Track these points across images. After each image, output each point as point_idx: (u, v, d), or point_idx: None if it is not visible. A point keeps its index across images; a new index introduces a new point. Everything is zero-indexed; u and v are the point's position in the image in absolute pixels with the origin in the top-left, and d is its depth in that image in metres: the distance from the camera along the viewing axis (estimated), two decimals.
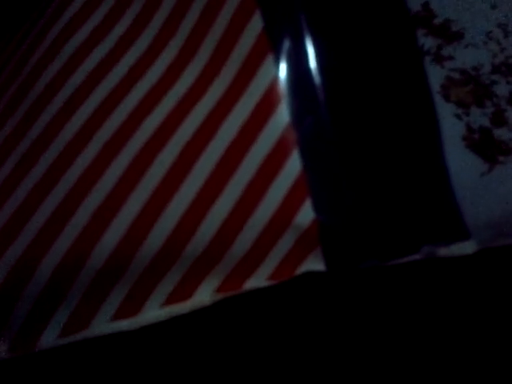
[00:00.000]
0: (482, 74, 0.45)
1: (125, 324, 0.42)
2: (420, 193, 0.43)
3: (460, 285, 0.44)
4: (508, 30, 0.46)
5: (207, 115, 0.45)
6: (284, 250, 0.42)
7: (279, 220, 0.43)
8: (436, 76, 0.45)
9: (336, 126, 0.44)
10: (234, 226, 0.43)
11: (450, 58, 0.46)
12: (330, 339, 0.44)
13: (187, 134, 0.45)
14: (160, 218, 0.44)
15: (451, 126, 0.44)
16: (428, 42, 0.46)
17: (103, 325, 0.42)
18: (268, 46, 0.45)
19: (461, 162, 0.43)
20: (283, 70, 0.45)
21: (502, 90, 0.45)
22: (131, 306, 0.42)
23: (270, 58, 0.45)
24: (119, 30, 0.48)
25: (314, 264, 0.42)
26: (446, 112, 0.44)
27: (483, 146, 0.44)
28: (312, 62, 0.45)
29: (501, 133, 0.44)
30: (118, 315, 0.42)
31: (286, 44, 0.45)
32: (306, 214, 0.43)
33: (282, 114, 0.44)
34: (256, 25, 0.46)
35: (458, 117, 0.44)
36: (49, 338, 0.42)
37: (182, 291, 0.42)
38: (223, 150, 0.45)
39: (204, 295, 0.42)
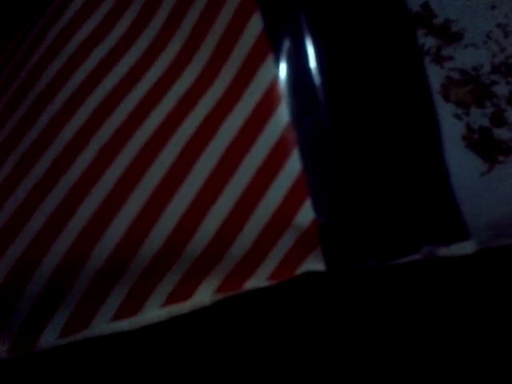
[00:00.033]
0: (482, 74, 0.45)
1: (125, 324, 0.42)
2: (420, 193, 0.43)
3: (460, 285, 0.44)
4: (508, 30, 0.46)
5: (207, 115, 0.46)
6: (284, 249, 0.42)
7: (279, 220, 0.43)
8: (436, 76, 0.45)
9: (336, 126, 0.44)
10: (234, 225, 0.43)
11: (450, 58, 0.46)
12: (330, 339, 0.44)
13: (187, 133, 0.45)
14: (160, 218, 0.44)
15: (451, 125, 0.44)
16: (428, 42, 0.46)
17: (103, 325, 0.42)
18: (268, 46, 0.45)
19: (461, 162, 0.43)
20: (283, 69, 0.45)
21: (501, 90, 0.45)
22: (131, 306, 0.42)
23: (270, 58, 0.45)
24: (119, 30, 0.48)
25: (314, 264, 0.42)
26: (445, 112, 0.45)
27: (483, 145, 0.44)
28: (312, 62, 0.45)
29: (501, 133, 0.44)
30: (118, 315, 0.42)
31: (286, 44, 0.45)
32: (305, 214, 0.43)
33: (282, 114, 0.44)
34: (256, 25, 0.46)
35: (458, 117, 0.44)
36: (49, 338, 0.42)
37: (182, 291, 0.42)
38: (223, 149, 0.45)
39: (204, 295, 0.42)
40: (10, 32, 0.52)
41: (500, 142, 0.44)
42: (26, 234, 0.44)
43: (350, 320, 0.44)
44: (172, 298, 0.42)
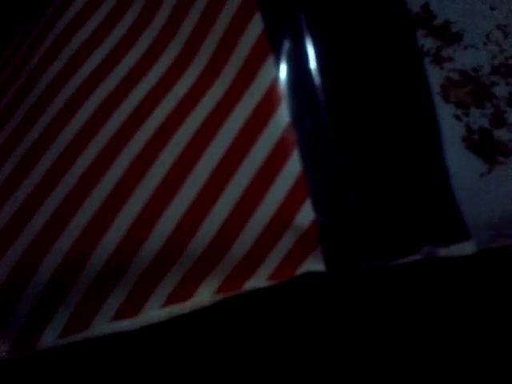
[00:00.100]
0: (482, 75, 0.45)
1: (125, 324, 0.42)
2: (420, 193, 0.43)
3: (460, 285, 0.44)
4: (507, 32, 0.46)
5: (208, 116, 0.46)
6: (284, 250, 0.42)
7: (279, 220, 0.43)
8: (436, 77, 0.45)
9: (336, 127, 0.44)
10: (235, 226, 0.43)
11: (450, 59, 0.46)
12: (330, 339, 0.44)
13: (188, 134, 0.45)
14: (160, 219, 0.44)
15: (451, 126, 0.44)
16: (428, 43, 0.46)
17: (103, 325, 0.42)
18: (268, 47, 0.45)
19: (461, 163, 0.43)
20: (283, 70, 0.45)
21: (501, 91, 0.45)
22: (131, 306, 0.42)
23: (270, 59, 0.45)
24: (120, 31, 0.48)
25: (314, 264, 0.42)
26: (445, 113, 0.45)
27: (483, 146, 0.44)
28: (312, 63, 0.45)
29: (500, 134, 0.44)
30: (119, 315, 0.42)
31: (287, 45, 0.45)
32: (306, 215, 0.43)
33: (283, 115, 0.45)
34: (256, 26, 0.46)
35: (458, 118, 0.45)
36: (49, 338, 0.42)
37: (182, 291, 0.42)
38: (224, 150, 0.45)
39: (204, 295, 0.42)
40: (10, 32, 0.52)
41: (500, 143, 0.44)
42: (27, 234, 0.44)
43: (350, 320, 0.44)
44: (172, 299, 0.42)
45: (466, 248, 0.42)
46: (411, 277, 0.44)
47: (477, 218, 0.42)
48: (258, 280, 0.42)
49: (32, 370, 0.44)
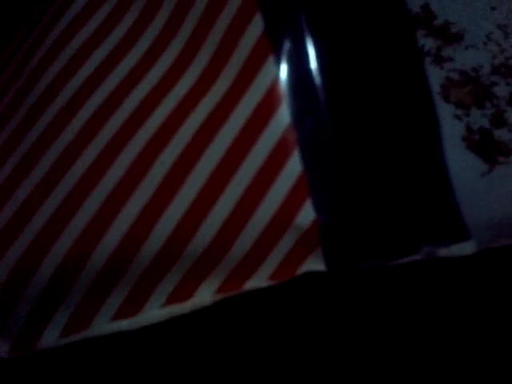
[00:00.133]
0: (482, 75, 0.45)
1: (125, 324, 0.42)
2: (420, 193, 0.43)
3: (460, 285, 0.44)
4: (508, 32, 0.46)
5: (208, 116, 0.46)
6: (284, 250, 0.42)
7: (280, 220, 0.43)
8: (436, 77, 0.45)
9: (336, 127, 0.44)
10: (235, 226, 0.43)
11: (450, 59, 0.46)
12: (330, 339, 0.44)
13: (188, 134, 0.45)
14: (161, 219, 0.44)
15: (451, 126, 0.44)
16: (428, 43, 0.46)
17: (103, 325, 0.42)
18: (269, 47, 0.45)
19: (461, 163, 0.43)
20: (284, 70, 0.45)
21: (501, 91, 0.45)
22: (131, 306, 0.42)
23: (270, 59, 0.45)
24: (120, 31, 0.48)
25: (314, 264, 0.42)
26: (445, 113, 0.45)
27: (483, 146, 0.44)
28: (312, 63, 0.45)
29: (501, 133, 0.44)
30: (119, 315, 0.42)
31: (287, 45, 0.45)
32: (306, 215, 0.43)
33: (283, 115, 0.45)
34: (257, 26, 0.46)
35: (458, 118, 0.45)
36: (49, 337, 0.42)
37: (183, 291, 0.42)
38: (224, 150, 0.45)
39: (204, 295, 0.42)
40: (10, 32, 0.52)
41: (500, 143, 0.44)
42: (27, 234, 0.44)
43: (350, 320, 0.44)
44: (172, 299, 0.42)
45: (466, 248, 0.42)
46: (411, 277, 0.44)
47: (477, 218, 0.42)
48: (259, 280, 0.42)
49: (32, 370, 0.44)
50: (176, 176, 0.44)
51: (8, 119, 0.47)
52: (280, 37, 0.46)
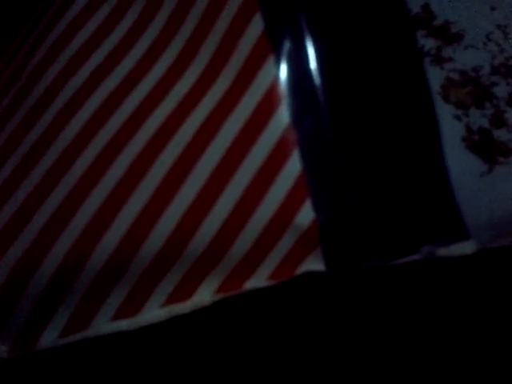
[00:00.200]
0: (482, 76, 0.46)
1: (124, 324, 0.42)
2: (420, 193, 0.43)
3: (460, 285, 0.44)
4: (507, 32, 0.46)
5: (208, 116, 0.46)
6: (284, 250, 0.42)
7: (279, 220, 0.43)
8: (436, 77, 0.45)
9: (336, 127, 0.44)
10: (235, 226, 0.43)
11: (450, 59, 0.46)
12: (330, 339, 0.44)
13: (188, 134, 0.45)
14: (160, 219, 0.44)
15: (451, 126, 0.44)
16: (428, 43, 0.46)
17: (103, 325, 0.42)
18: (269, 47, 0.45)
19: (461, 163, 0.43)
20: (284, 70, 0.45)
21: (501, 91, 0.45)
22: (131, 306, 0.42)
23: (270, 59, 0.45)
24: (120, 31, 0.48)
25: (314, 264, 0.42)
26: (445, 113, 0.45)
27: (483, 146, 0.44)
28: (312, 63, 0.45)
29: (500, 134, 0.44)
30: (118, 315, 0.42)
31: (287, 45, 0.45)
32: (306, 215, 0.43)
33: (283, 115, 0.45)
34: (257, 26, 0.46)
35: (458, 118, 0.45)
36: (49, 338, 0.42)
37: (182, 291, 0.42)
38: (224, 150, 0.45)
39: (204, 295, 0.42)
40: (10, 32, 0.52)
41: (500, 143, 0.44)
42: (27, 234, 0.44)
43: (350, 320, 0.44)
44: (172, 298, 0.42)
45: (466, 248, 0.42)
46: (411, 277, 0.44)
47: (477, 217, 0.42)
48: (258, 280, 0.42)
49: (32, 370, 0.44)
50: (176, 176, 0.44)
51: (8, 119, 0.47)
52: (280, 37, 0.46)
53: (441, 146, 0.44)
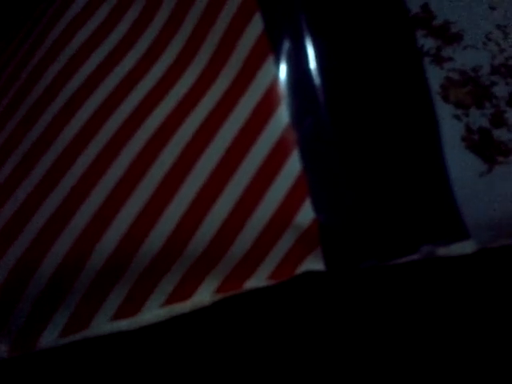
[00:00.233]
0: (482, 75, 0.45)
1: (124, 324, 0.42)
2: (420, 193, 0.43)
3: (460, 285, 0.44)
4: (507, 32, 0.46)
5: (207, 116, 0.46)
6: (284, 249, 0.42)
7: (279, 220, 0.43)
8: (435, 77, 0.45)
9: (336, 127, 0.44)
10: (234, 226, 0.43)
11: (450, 58, 0.46)
12: (330, 339, 0.44)
13: (187, 134, 0.45)
14: (160, 218, 0.44)
15: (451, 126, 0.44)
16: (427, 43, 0.46)
17: (103, 325, 0.42)
18: (268, 47, 0.45)
19: (460, 163, 0.43)
20: (283, 70, 0.45)
21: (501, 91, 0.45)
22: (131, 306, 0.42)
23: (270, 59, 0.45)
24: (120, 31, 0.48)
25: (313, 264, 0.42)
26: (445, 113, 0.45)
27: (483, 146, 0.44)
28: (312, 63, 0.45)
29: (500, 133, 0.44)
30: (118, 315, 0.42)
31: (286, 45, 0.45)
32: (305, 214, 0.43)
33: (282, 115, 0.45)
34: (256, 26, 0.46)
35: (458, 117, 0.45)
36: (49, 338, 0.42)
37: (182, 291, 0.42)
38: (223, 150, 0.45)
39: (204, 295, 0.42)
40: (10, 32, 0.52)
41: (499, 143, 0.44)
42: (27, 234, 0.44)
43: (350, 320, 0.44)
44: (172, 298, 0.42)
45: (466, 247, 0.42)
46: (411, 277, 0.44)
47: (477, 217, 0.42)
48: (258, 279, 0.42)
49: (32, 370, 0.44)
50: (176, 176, 0.44)
51: (8, 119, 0.47)
52: (280, 37, 0.46)
53: (440, 146, 0.44)
